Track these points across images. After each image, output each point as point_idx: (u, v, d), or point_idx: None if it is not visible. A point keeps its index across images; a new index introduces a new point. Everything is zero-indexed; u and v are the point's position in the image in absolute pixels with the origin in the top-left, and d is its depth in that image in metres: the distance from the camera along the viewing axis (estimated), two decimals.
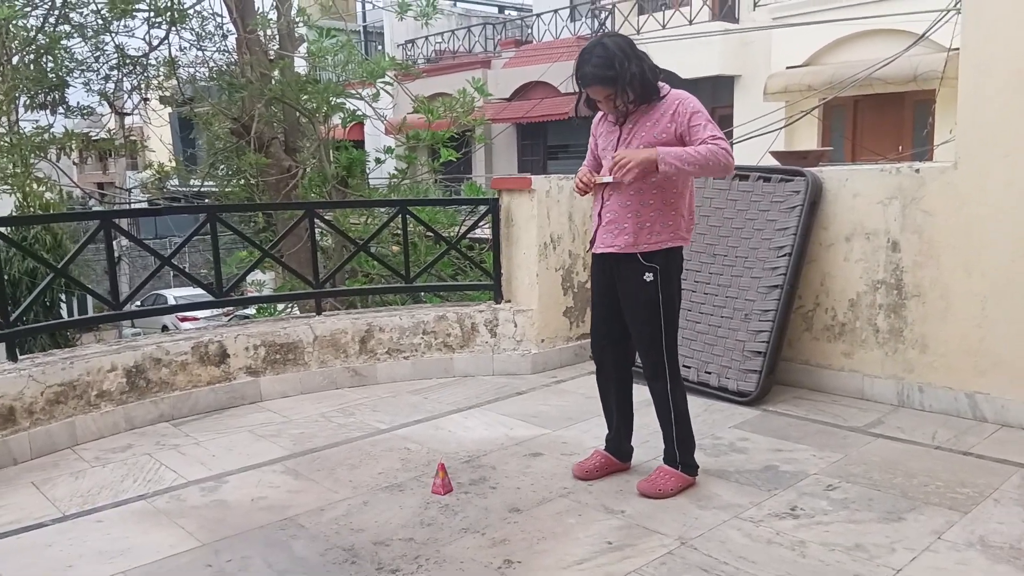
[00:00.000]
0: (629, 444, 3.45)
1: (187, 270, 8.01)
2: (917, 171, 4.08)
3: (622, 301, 3.21)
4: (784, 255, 4.32)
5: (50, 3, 8.88)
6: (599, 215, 3.18)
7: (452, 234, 6.78)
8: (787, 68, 13.79)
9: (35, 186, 10.10)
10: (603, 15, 17.69)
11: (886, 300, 4.23)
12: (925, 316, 4.10)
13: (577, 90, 3.11)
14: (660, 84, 3.07)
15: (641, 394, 4.39)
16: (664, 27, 15.72)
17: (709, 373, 4.47)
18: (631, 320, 3.20)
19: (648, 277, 3.08)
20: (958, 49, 4.03)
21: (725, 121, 15.00)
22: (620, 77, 2.90)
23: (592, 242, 3.24)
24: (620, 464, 3.43)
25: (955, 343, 4.00)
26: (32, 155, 9.06)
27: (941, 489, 3.18)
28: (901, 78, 11.34)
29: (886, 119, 13.40)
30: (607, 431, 3.47)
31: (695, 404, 4.29)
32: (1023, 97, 3.68)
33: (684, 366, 4.56)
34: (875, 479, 3.29)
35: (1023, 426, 3.80)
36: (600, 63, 2.91)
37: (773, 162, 4.92)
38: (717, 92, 15.84)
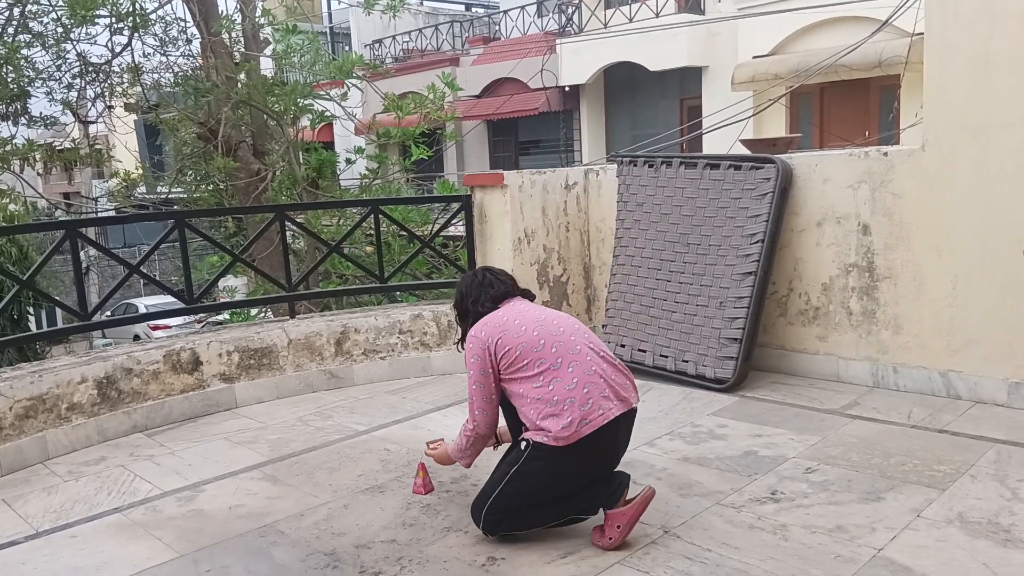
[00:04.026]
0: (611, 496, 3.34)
1: (157, 278, 7.91)
2: (885, 154, 4.11)
3: None
4: (757, 242, 4.33)
5: (8, 12, 8.71)
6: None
7: (426, 232, 6.75)
8: (754, 58, 13.88)
9: None
10: (570, 10, 17.69)
11: (858, 283, 4.26)
12: (897, 297, 4.13)
13: None
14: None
15: None
16: (631, 20, 15.75)
17: (686, 362, 4.48)
18: None
19: (522, 444, 2.79)
20: (922, 34, 4.07)
21: (694, 112, 15.09)
22: (456, 314, 3.12)
23: None
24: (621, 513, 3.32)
25: (928, 323, 4.04)
26: None
27: (919, 467, 3.20)
28: (866, 64, 11.45)
29: (852, 105, 13.53)
30: None
31: (674, 393, 4.32)
32: (988, 78, 3.72)
33: (661, 355, 4.59)
34: (853, 460, 3.31)
35: (996, 402, 3.84)
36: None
37: (744, 150, 4.94)
38: (685, 83, 15.93)
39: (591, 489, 2.79)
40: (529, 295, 3.09)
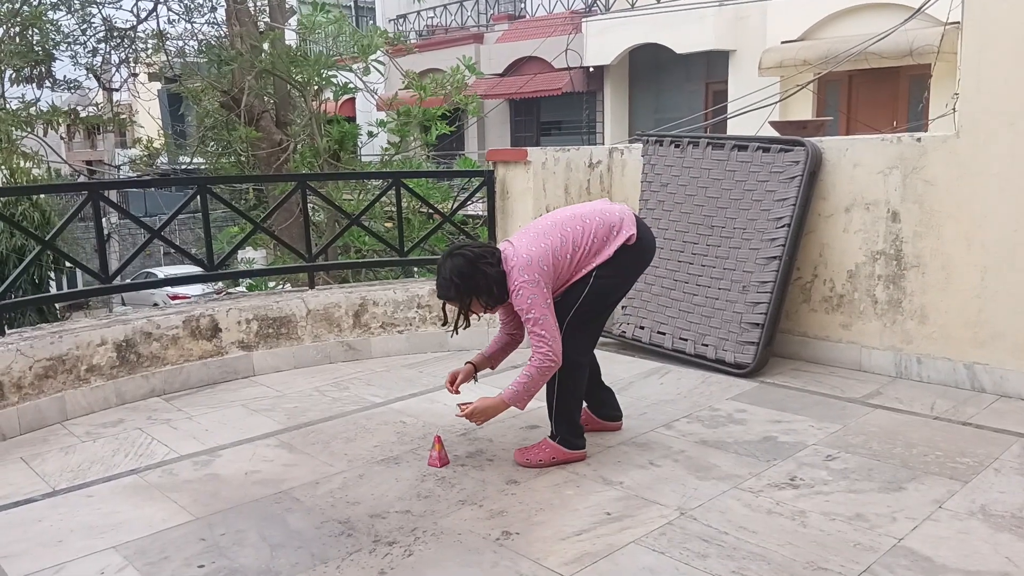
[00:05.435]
0: (609, 410, 3.54)
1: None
2: (919, 140, 4.02)
3: None
4: (783, 226, 4.26)
5: None
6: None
7: (446, 209, 6.72)
8: (782, 43, 13.67)
9: (22, 162, 9.97)
10: None
11: (885, 271, 4.19)
12: (924, 287, 4.06)
13: None
14: (513, 264, 3.02)
15: (636, 368, 4.39)
16: (659, 1, 15.55)
17: (706, 345, 4.43)
18: None
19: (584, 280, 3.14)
20: (955, 23, 3.97)
21: (720, 96, 14.91)
22: (459, 296, 3.08)
23: None
24: (599, 422, 3.51)
25: (954, 314, 3.97)
26: (18, 129, 8.93)
27: (941, 459, 3.15)
28: (896, 52, 11.24)
29: (881, 94, 13.31)
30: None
31: (692, 376, 4.28)
32: None
33: (681, 338, 4.54)
34: (874, 449, 3.26)
35: (1022, 396, 3.78)
36: (441, 283, 3.11)
37: (772, 133, 4.86)
38: (712, 67, 15.73)
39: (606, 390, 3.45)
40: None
